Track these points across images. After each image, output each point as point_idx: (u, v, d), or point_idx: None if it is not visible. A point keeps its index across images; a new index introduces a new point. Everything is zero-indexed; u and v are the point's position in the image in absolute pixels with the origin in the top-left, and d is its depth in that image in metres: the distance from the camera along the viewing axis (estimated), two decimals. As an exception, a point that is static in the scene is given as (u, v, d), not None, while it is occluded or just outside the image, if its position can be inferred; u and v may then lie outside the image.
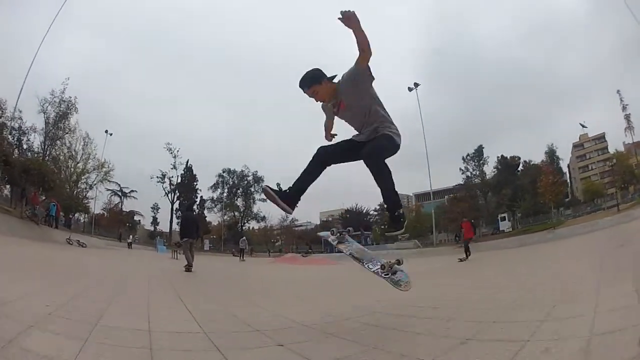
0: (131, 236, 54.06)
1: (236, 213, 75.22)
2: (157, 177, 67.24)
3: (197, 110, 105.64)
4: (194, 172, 70.72)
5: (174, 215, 67.68)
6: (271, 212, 75.55)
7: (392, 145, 3.40)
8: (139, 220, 71.71)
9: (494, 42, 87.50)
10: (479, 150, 55.12)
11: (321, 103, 3.67)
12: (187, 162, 69.85)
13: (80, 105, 48.04)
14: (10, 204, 29.37)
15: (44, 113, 45.38)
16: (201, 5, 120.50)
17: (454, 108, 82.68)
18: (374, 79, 3.33)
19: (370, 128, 3.43)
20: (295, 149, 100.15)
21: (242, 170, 74.94)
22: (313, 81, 3.43)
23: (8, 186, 32.73)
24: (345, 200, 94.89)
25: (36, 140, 44.91)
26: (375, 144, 3.31)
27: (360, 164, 3.37)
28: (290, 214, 3.58)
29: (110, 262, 15.17)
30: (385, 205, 3.53)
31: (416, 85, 47.69)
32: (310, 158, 3.52)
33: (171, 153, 67.29)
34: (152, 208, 70.69)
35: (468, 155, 55.40)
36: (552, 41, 77.28)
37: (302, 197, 3.59)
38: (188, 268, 11.97)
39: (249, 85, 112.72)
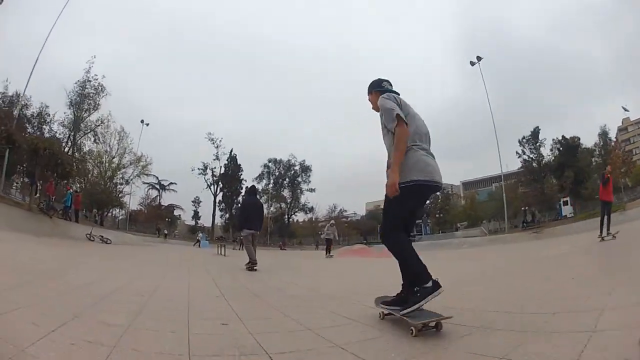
0: (165, 230, 49.54)
1: (282, 204, 69.53)
2: (199, 168, 62.19)
3: (235, 106, 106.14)
4: (238, 162, 65.22)
5: (216, 208, 62.79)
6: (319, 203, 70.90)
7: (397, 199, 2.92)
8: (179, 215, 67.20)
9: (525, 29, 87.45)
10: (535, 133, 50.84)
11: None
12: (231, 151, 64.60)
13: (114, 102, 44.12)
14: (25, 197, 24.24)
15: (69, 99, 41.38)
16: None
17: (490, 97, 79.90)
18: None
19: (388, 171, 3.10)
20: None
21: (288, 160, 69.24)
22: (368, 90, 3.53)
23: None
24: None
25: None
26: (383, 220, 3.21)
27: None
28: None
29: (109, 264, 9.44)
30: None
31: (479, 59, 43.26)
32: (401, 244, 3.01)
33: (213, 143, 62.40)
34: (192, 202, 66.17)
35: (524, 137, 51.12)
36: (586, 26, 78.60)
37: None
38: (251, 266, 9.16)
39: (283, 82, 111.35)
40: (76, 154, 39.21)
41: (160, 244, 32.89)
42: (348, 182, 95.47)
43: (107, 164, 47.53)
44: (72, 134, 40.32)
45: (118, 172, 48.84)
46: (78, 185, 42.82)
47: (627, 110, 52.73)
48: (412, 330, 2.65)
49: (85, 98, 41.41)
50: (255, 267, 9.08)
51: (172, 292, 5.03)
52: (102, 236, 19.32)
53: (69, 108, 40.59)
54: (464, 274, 7.68)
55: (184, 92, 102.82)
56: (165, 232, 48.74)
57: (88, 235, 18.61)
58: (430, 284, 2.76)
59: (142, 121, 50.97)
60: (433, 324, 2.73)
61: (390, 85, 3.47)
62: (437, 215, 58.58)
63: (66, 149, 35.58)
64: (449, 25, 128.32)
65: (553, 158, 49.44)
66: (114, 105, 50.13)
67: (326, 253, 19.13)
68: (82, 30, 79.61)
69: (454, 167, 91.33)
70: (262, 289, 5.71)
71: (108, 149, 47.70)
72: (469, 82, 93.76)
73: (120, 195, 48.27)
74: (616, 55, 74.69)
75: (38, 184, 20.93)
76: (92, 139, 44.13)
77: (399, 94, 3.32)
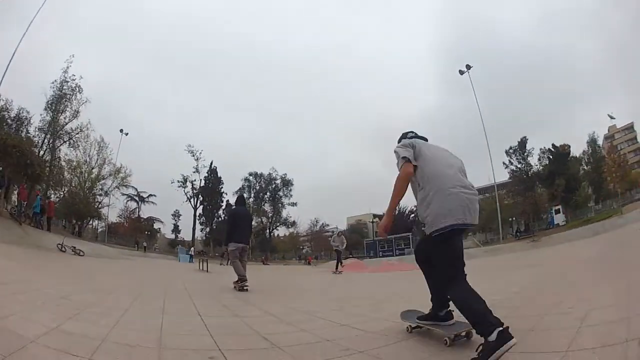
0: (145, 242, 47.98)
1: (264, 219, 68.14)
2: (179, 181, 60.71)
3: (218, 119, 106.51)
4: (219, 175, 63.96)
5: (197, 221, 61.43)
6: (300, 217, 70.43)
7: (434, 247, 3.02)
8: (159, 229, 65.72)
9: (510, 36, 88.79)
10: (523, 143, 50.84)
11: None
12: (211, 163, 63.39)
13: (96, 112, 42.37)
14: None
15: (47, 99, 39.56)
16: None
17: (472, 107, 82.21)
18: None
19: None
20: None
21: (269, 173, 67.97)
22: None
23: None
24: (372, 204, 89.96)
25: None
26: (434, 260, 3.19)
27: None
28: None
29: (65, 282, 8.43)
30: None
31: (468, 67, 43.44)
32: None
33: (193, 155, 61.08)
34: (172, 215, 64.50)
35: (511, 147, 51.11)
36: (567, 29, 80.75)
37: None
38: (241, 285, 7.92)
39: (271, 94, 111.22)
40: (52, 160, 37.45)
41: (138, 258, 31.48)
42: (328, 197, 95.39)
43: (86, 174, 46.16)
44: (49, 137, 38.46)
45: (97, 183, 47.63)
46: (54, 193, 42.51)
47: (614, 118, 53.25)
48: (446, 340, 2.98)
49: (61, 98, 39.64)
50: (246, 286, 7.92)
51: (132, 337, 3.15)
52: (74, 247, 18.10)
53: (46, 110, 38.89)
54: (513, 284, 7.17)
55: (164, 102, 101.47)
56: (145, 244, 47.05)
57: (59, 246, 17.41)
58: (494, 336, 2.40)
59: (121, 130, 50.09)
60: (464, 333, 3.01)
61: (415, 134, 3.53)
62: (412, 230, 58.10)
63: (41, 153, 33.94)
64: (432, 32, 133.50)
65: (542, 167, 49.44)
66: (93, 114, 48.38)
67: (336, 268, 17.09)
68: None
69: None
70: (268, 325, 4.13)
71: (88, 159, 46.30)
72: (453, 90, 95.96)
73: (98, 206, 47.15)
74: (600, 63, 75.85)
75: (8, 187, 19.59)
76: (68, 143, 41.81)
77: (425, 139, 3.48)
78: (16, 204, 20.21)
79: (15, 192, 21.36)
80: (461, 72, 43.93)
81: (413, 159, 3.06)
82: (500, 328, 2.40)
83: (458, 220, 2.81)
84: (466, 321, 2.76)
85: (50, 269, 10.18)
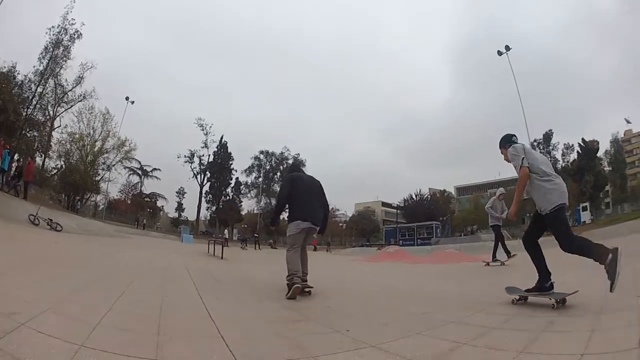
0: (145, 220, 44.50)
1: (273, 200, 64.26)
2: (185, 156, 56.36)
3: (230, 97, 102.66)
4: (229, 150, 59.45)
5: (203, 199, 57.57)
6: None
7: (552, 223, 3.99)
8: (162, 206, 61.94)
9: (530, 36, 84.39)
10: (548, 136, 49.77)
11: None
12: (222, 138, 58.93)
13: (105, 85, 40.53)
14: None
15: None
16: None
17: (487, 104, 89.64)
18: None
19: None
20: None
21: (281, 152, 63.88)
22: (499, 144, 4.60)
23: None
24: (380, 193, 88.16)
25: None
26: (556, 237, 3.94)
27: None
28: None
29: None
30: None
31: (507, 48, 40.68)
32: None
33: (202, 129, 56.80)
34: (177, 193, 60.82)
35: (535, 140, 48.65)
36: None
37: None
38: (298, 285, 4.78)
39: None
40: (45, 122, 33.83)
41: (135, 236, 27.96)
42: (336, 183, 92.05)
43: (88, 147, 42.75)
44: (43, 90, 34.79)
45: (100, 157, 44.17)
46: (50, 161, 40.44)
47: (630, 122, 53.21)
48: (553, 304, 3.70)
49: (58, 45, 35.91)
50: (308, 289, 5.12)
51: None
52: (50, 219, 14.40)
53: (39, 59, 35.12)
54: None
55: (178, 79, 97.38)
56: (145, 222, 43.53)
57: (32, 217, 13.75)
58: (610, 256, 3.46)
59: (127, 98, 45.84)
60: (562, 298, 3.72)
61: (516, 137, 4.57)
62: (441, 219, 56.11)
63: (29, 110, 30.42)
64: (446, 31, 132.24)
65: (570, 162, 48.07)
66: (103, 85, 45.37)
67: (492, 258, 10.47)
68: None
69: (445, 172, 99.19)
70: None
71: (91, 132, 43.06)
72: (461, 88, 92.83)
73: (98, 180, 43.84)
74: (617, 69, 74.71)
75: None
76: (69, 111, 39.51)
77: (522, 145, 4.36)
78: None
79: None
80: (499, 53, 41.23)
81: (525, 162, 4.10)
82: (611, 254, 3.43)
83: (566, 200, 3.97)
84: (562, 291, 3.85)
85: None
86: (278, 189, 4.57)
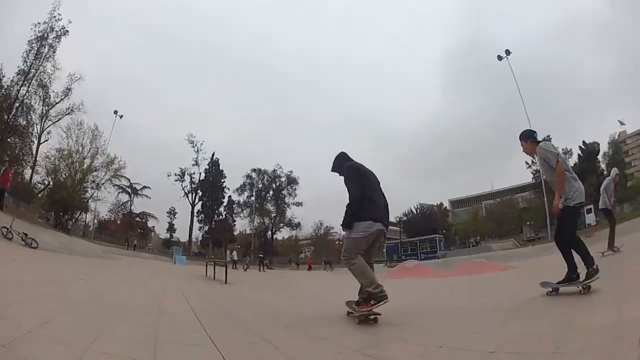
0: (135, 241, 42.59)
1: (266, 219, 62.31)
2: (176, 174, 54.90)
3: (219, 116, 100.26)
4: (221, 168, 58.15)
5: (195, 219, 55.80)
6: (303, 219, 64.35)
7: (570, 215, 4.58)
8: (153, 227, 59.92)
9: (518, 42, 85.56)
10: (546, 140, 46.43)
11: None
12: (213, 155, 57.76)
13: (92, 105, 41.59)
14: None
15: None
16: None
17: (477, 113, 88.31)
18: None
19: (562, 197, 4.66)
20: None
21: (274, 170, 62.16)
22: (522, 137, 4.99)
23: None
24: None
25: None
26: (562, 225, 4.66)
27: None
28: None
29: None
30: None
31: (508, 52, 40.51)
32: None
33: (193, 147, 55.51)
34: (168, 213, 58.68)
35: None
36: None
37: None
38: (378, 298, 3.79)
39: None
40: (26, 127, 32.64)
41: (126, 257, 26.22)
42: (327, 200, 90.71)
43: (77, 165, 41.68)
44: (24, 89, 34.06)
45: (89, 175, 43.19)
46: (40, 178, 39.71)
47: (624, 124, 52.95)
48: (580, 290, 4.25)
49: (43, 41, 35.19)
50: (383, 299, 3.82)
51: None
52: (25, 234, 12.77)
53: (23, 59, 34.41)
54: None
55: (164, 95, 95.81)
56: (135, 243, 41.50)
57: (4, 230, 12.23)
58: (596, 265, 4.22)
59: (115, 112, 44.63)
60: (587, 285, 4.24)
61: (536, 134, 5.05)
62: (441, 232, 54.78)
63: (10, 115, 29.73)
64: (433, 42, 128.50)
65: (572, 165, 45.44)
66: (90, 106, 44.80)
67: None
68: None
69: (433, 186, 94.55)
70: None
71: (80, 149, 42.22)
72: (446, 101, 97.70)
73: (85, 199, 43.10)
74: (608, 71, 74.67)
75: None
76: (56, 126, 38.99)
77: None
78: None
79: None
80: (500, 58, 41.06)
81: (562, 159, 4.60)
82: (596, 265, 4.20)
83: (584, 199, 4.55)
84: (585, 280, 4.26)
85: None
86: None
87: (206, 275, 13.98)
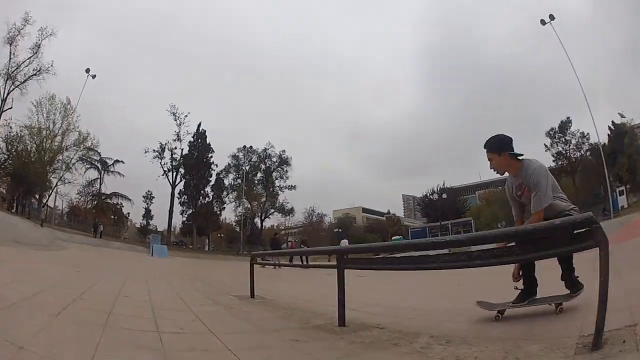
0: (102, 226, 36.27)
1: (255, 203, 55.26)
2: (154, 150, 46.29)
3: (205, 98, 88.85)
4: (208, 141, 49.46)
5: (175, 202, 47.59)
6: (296, 204, 58.00)
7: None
8: (128, 214, 51.64)
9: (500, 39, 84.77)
10: (565, 123, 46.84)
11: (506, 190, 3.75)
12: (199, 126, 48.91)
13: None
14: None
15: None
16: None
17: (456, 108, 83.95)
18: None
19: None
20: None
21: (265, 149, 54.53)
22: (493, 148, 3.48)
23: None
24: (357, 200, 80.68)
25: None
26: None
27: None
28: None
29: None
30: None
31: (552, 17, 36.73)
32: None
33: (176, 119, 46.97)
34: (144, 197, 50.00)
35: (552, 129, 47.02)
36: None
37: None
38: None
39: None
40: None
41: (87, 247, 19.70)
42: (313, 189, 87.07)
43: (46, 143, 38.64)
44: None
45: (59, 155, 39.50)
46: None
47: (624, 117, 49.53)
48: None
49: None
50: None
51: None
52: None
53: None
54: None
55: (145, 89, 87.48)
56: (101, 229, 34.22)
57: None
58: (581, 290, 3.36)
59: (87, 70, 37.91)
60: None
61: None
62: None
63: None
64: (412, 34, 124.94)
65: (602, 144, 43.54)
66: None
67: None
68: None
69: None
70: None
71: (51, 125, 38.80)
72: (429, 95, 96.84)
73: (50, 176, 39.25)
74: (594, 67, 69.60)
75: None
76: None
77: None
78: None
79: None
80: (543, 22, 37.36)
81: (550, 197, 3.30)
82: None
83: None
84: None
85: None
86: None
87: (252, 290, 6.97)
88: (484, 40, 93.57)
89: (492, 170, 3.54)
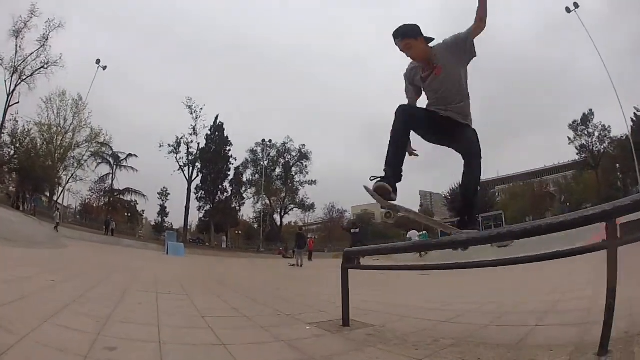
0: (114, 223, 34.19)
1: (273, 199, 53.36)
2: (170, 145, 44.57)
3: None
4: (226, 134, 47.46)
5: (192, 197, 45.75)
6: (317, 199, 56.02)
7: (477, 139, 3.06)
8: (143, 211, 49.78)
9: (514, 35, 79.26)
10: (587, 116, 45.84)
11: (405, 72, 3.27)
12: (217, 118, 47.13)
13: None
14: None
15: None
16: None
17: (473, 100, 79.13)
18: (475, 55, 2.91)
19: (458, 108, 2.95)
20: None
21: (284, 143, 52.51)
22: (410, 34, 2.94)
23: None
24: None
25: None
26: (473, 143, 3.00)
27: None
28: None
29: None
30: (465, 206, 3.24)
31: (576, 5, 36.66)
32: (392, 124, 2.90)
33: (192, 113, 45.23)
34: (159, 194, 48.40)
35: (575, 122, 46.47)
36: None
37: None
38: None
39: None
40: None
41: (90, 244, 17.50)
42: (330, 185, 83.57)
43: (57, 140, 38.32)
44: None
45: (71, 152, 38.91)
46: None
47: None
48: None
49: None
50: None
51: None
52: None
53: None
54: None
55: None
56: (113, 227, 32.13)
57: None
58: None
59: (97, 61, 36.64)
60: None
61: None
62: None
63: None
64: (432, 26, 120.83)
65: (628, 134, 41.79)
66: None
67: None
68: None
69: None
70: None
71: (61, 122, 38.58)
72: None
73: (59, 174, 38.54)
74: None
75: None
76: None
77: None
78: None
79: None
80: (568, 10, 37.36)
81: None
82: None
83: None
84: None
85: None
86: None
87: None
88: (500, 32, 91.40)
89: (411, 58, 3.05)
